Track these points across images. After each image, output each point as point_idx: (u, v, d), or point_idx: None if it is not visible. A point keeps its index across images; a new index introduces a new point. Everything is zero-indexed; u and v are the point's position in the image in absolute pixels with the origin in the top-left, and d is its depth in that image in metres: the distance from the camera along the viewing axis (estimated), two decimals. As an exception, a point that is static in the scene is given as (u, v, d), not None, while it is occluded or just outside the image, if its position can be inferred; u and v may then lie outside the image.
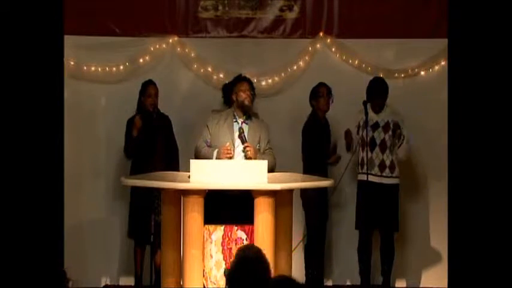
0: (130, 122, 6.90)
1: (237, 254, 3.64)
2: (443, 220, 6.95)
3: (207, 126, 6.26)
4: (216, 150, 6.07)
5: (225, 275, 3.58)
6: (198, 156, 6.18)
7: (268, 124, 6.42)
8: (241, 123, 6.21)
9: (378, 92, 6.83)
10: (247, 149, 6.04)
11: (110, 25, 7.28)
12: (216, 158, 6.02)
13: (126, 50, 7.28)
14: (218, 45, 7.37)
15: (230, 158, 6.00)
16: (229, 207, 5.77)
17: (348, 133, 6.81)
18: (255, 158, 6.00)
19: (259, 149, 6.17)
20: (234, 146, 6.10)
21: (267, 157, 6.03)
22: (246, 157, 6.04)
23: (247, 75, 7.05)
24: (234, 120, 6.21)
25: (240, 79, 6.45)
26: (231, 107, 6.32)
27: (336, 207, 7.27)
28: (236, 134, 6.13)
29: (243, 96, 6.21)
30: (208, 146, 6.19)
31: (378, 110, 6.86)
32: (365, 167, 6.75)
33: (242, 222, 5.63)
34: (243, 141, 6.08)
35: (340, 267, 7.35)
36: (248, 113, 6.24)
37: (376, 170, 6.81)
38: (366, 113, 6.72)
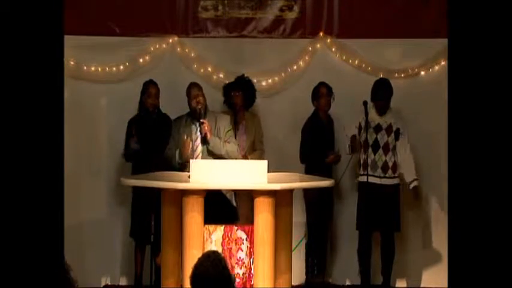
0: (131, 123, 6.92)
1: (197, 261, 3.62)
2: (443, 220, 7.01)
3: (172, 136, 6.49)
4: (177, 150, 6.28)
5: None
6: (170, 165, 6.41)
7: (230, 115, 6.64)
8: (198, 125, 6.37)
9: (382, 93, 6.82)
10: (204, 125, 6.25)
11: (110, 25, 7.28)
12: (179, 157, 6.29)
13: (126, 50, 7.28)
14: (218, 45, 7.37)
15: (191, 148, 6.25)
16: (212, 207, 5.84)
17: (354, 138, 6.80)
18: (211, 135, 6.23)
19: (219, 138, 6.33)
20: (192, 143, 6.31)
21: (227, 145, 6.29)
22: (201, 133, 6.27)
23: (248, 75, 7.08)
24: (192, 123, 6.41)
25: (191, 85, 6.60)
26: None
27: (336, 207, 7.27)
28: (194, 135, 6.33)
29: (194, 103, 6.40)
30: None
31: (382, 112, 6.85)
32: (367, 169, 6.75)
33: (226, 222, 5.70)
34: (200, 117, 6.31)
35: (340, 267, 7.35)
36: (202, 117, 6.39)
37: (379, 171, 6.82)
38: (366, 114, 6.72)
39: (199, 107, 6.37)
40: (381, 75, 7.14)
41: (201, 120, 6.28)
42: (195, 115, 6.40)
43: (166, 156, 6.50)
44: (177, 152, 6.29)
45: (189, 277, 3.48)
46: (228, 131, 6.40)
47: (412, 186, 6.91)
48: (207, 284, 3.40)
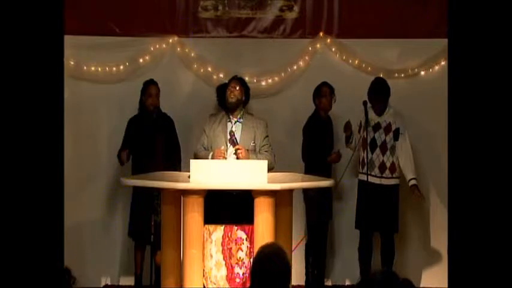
0: (131, 122, 6.92)
1: (257, 252, 3.72)
2: (443, 220, 7.00)
3: (204, 130, 6.30)
4: (211, 153, 6.10)
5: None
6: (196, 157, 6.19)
7: (266, 121, 6.40)
8: (235, 123, 6.23)
9: (379, 93, 6.81)
10: (238, 151, 6.04)
11: (110, 25, 7.28)
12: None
13: (126, 50, 7.28)
14: (218, 45, 7.37)
15: (224, 155, 6.03)
16: (228, 207, 5.77)
17: (347, 125, 6.78)
18: (247, 158, 6.00)
19: (254, 148, 6.17)
20: (227, 148, 6.13)
21: (262, 157, 6.06)
22: (238, 159, 6.03)
23: (247, 75, 7.08)
24: (228, 120, 6.23)
25: (231, 79, 6.44)
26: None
27: (336, 207, 7.26)
28: (228, 134, 6.15)
29: (228, 93, 6.23)
30: (205, 150, 6.21)
31: (380, 112, 6.84)
32: (365, 168, 6.75)
33: (242, 222, 5.64)
34: (234, 143, 6.09)
35: (340, 267, 7.35)
36: (236, 109, 6.23)
37: (376, 171, 6.81)
38: (366, 113, 6.72)
39: (231, 97, 6.19)
40: (381, 75, 7.14)
41: (237, 147, 6.06)
42: (228, 105, 6.21)
43: (196, 152, 6.32)
44: (210, 154, 6.16)
45: (252, 263, 3.56)
46: (265, 137, 6.27)
47: (410, 185, 6.88)
48: (267, 271, 3.46)
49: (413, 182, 6.84)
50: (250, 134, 6.20)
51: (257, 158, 6.05)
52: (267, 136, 6.27)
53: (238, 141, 6.10)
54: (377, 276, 3.05)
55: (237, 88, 6.26)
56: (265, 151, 6.20)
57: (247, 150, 6.09)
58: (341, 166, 7.04)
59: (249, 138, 6.19)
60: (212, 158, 6.06)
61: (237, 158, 6.04)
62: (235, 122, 6.23)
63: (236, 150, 6.05)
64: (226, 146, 6.14)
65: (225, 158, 6.05)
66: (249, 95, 6.97)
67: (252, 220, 5.52)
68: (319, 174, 6.48)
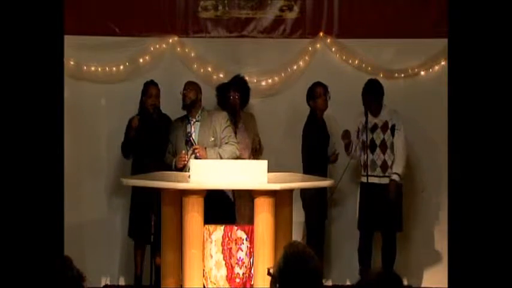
0: (130, 121, 6.92)
1: (285, 251, 3.66)
2: (444, 220, 7.00)
3: (170, 139, 6.48)
4: (174, 160, 6.28)
5: (269, 274, 3.56)
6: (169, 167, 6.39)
7: (226, 112, 6.56)
8: (194, 123, 6.37)
9: (372, 94, 6.79)
10: (196, 151, 6.19)
11: (110, 25, 7.28)
12: (175, 166, 6.24)
13: (126, 50, 7.29)
14: (218, 45, 7.38)
15: (185, 165, 6.15)
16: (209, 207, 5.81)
17: (346, 133, 6.79)
18: (206, 157, 6.15)
19: (214, 143, 6.30)
20: (187, 150, 6.27)
21: (222, 151, 6.23)
22: (197, 158, 6.16)
23: (247, 75, 7.09)
24: (188, 122, 6.36)
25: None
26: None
27: (336, 207, 7.27)
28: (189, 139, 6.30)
29: (182, 97, 6.41)
30: (173, 156, 6.40)
31: (376, 112, 6.84)
32: (367, 169, 6.74)
33: (222, 223, 5.68)
34: (192, 144, 6.24)
35: (340, 267, 7.35)
36: (193, 110, 6.39)
37: (378, 170, 6.81)
38: (366, 114, 6.72)
39: (185, 99, 6.37)
40: (381, 75, 7.14)
41: (194, 147, 6.23)
42: (184, 108, 6.42)
43: (165, 160, 6.51)
44: (174, 161, 6.28)
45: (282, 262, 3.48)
46: (225, 128, 6.37)
47: (390, 179, 6.80)
48: (297, 272, 3.43)
49: (394, 176, 6.75)
50: (208, 130, 6.34)
51: (217, 153, 6.23)
52: (228, 126, 6.41)
53: (195, 141, 6.25)
54: (373, 276, 3.03)
55: (191, 90, 6.43)
56: (226, 143, 6.34)
57: (205, 148, 6.22)
58: (338, 168, 7.04)
59: (207, 135, 6.33)
60: (175, 165, 6.23)
61: (196, 158, 6.14)
62: (195, 122, 6.38)
63: (193, 150, 6.19)
64: (187, 149, 6.26)
65: (186, 162, 6.14)
66: (249, 95, 7.02)
67: (232, 219, 5.54)
68: (317, 174, 6.49)
